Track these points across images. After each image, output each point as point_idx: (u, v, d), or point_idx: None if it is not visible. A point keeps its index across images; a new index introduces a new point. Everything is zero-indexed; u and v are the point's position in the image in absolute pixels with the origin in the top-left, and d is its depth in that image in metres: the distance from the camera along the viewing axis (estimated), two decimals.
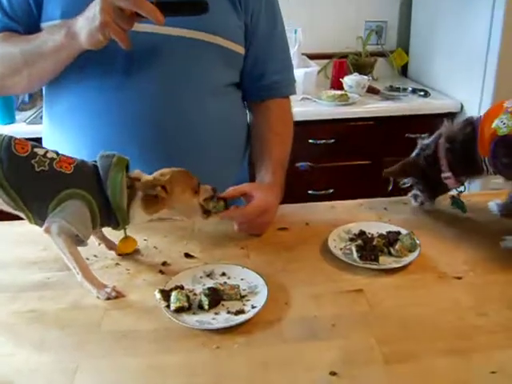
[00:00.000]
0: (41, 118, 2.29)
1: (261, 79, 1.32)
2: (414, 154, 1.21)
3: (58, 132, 1.23)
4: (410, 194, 1.26)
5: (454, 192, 1.22)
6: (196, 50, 1.17)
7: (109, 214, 0.95)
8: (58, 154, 0.96)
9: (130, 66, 1.14)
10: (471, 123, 1.11)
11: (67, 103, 1.20)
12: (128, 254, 1.06)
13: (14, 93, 1.60)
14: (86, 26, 0.99)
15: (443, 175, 1.15)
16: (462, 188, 1.20)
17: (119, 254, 1.06)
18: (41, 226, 0.93)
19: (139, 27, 1.05)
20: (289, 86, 1.38)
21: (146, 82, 1.15)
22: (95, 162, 0.97)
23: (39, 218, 0.93)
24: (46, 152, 0.94)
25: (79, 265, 0.93)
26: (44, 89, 1.27)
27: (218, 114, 1.23)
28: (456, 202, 1.22)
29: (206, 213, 1.03)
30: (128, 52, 1.04)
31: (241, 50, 1.25)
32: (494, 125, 1.04)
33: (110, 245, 1.07)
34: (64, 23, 1.06)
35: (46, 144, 1.30)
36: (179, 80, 1.17)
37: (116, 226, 0.98)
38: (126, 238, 1.03)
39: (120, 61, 1.13)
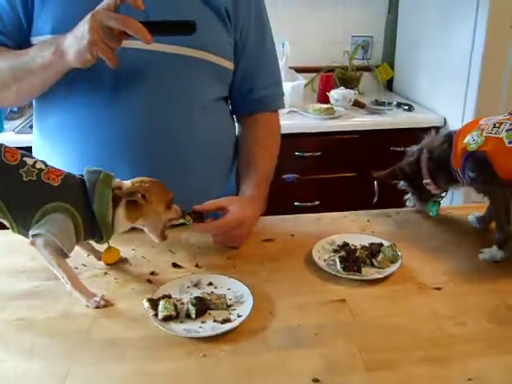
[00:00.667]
0: (29, 127, 2.32)
1: (249, 94, 1.34)
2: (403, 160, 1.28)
3: (48, 145, 1.24)
4: (405, 197, 1.33)
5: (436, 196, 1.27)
6: (185, 66, 1.18)
7: (93, 228, 0.96)
8: (46, 165, 0.97)
9: (118, 83, 1.15)
10: (450, 137, 1.16)
11: (57, 118, 1.21)
12: (112, 264, 1.08)
13: (2, 106, 1.60)
14: (75, 44, 1.00)
15: (424, 181, 1.21)
16: (443, 194, 1.26)
17: (107, 264, 1.08)
18: (24, 235, 0.95)
19: (127, 43, 1.06)
20: (277, 101, 1.40)
21: (134, 98, 1.16)
22: (82, 175, 0.99)
23: (23, 227, 0.94)
24: (35, 162, 0.95)
25: (67, 274, 0.94)
26: (34, 102, 1.28)
27: (206, 128, 1.25)
28: (432, 205, 1.27)
29: (163, 236, 1.04)
30: (117, 69, 1.05)
31: (230, 65, 1.27)
32: (465, 140, 1.09)
33: (99, 255, 1.08)
34: (53, 40, 1.07)
35: (36, 156, 1.32)
36: (168, 96, 1.18)
37: (100, 239, 1.00)
38: (110, 248, 1.05)
39: (108, 77, 1.13)
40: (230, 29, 1.25)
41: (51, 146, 1.23)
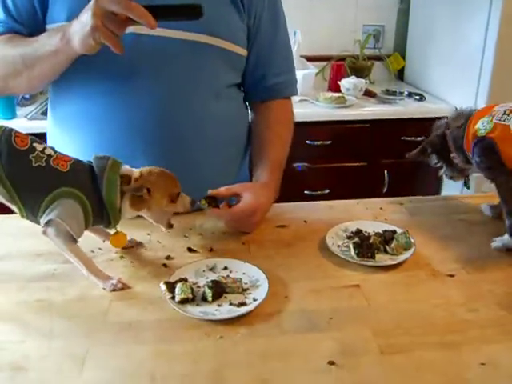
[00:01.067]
0: (41, 113, 2.34)
1: (262, 80, 1.35)
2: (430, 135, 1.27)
3: (64, 133, 1.25)
4: (441, 172, 1.32)
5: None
6: (199, 52, 1.19)
7: (101, 213, 0.97)
8: (55, 151, 0.98)
9: (133, 70, 1.15)
10: (467, 118, 1.16)
11: (72, 106, 1.22)
12: (120, 248, 1.09)
13: (16, 93, 1.61)
14: (79, 30, 1.00)
15: (451, 155, 1.21)
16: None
17: (116, 247, 1.09)
18: (33, 221, 0.96)
19: (142, 30, 1.07)
20: (290, 87, 1.41)
21: (149, 85, 1.16)
22: (90, 162, 0.99)
23: (31, 213, 0.95)
24: (45, 148, 0.96)
25: (82, 260, 0.96)
26: (50, 90, 1.28)
27: (220, 114, 1.26)
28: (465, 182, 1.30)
29: (170, 226, 1.07)
30: (132, 55, 1.06)
31: (243, 52, 1.28)
32: (477, 125, 1.11)
33: None
34: (61, 27, 1.07)
35: (51, 144, 1.33)
36: (182, 82, 1.19)
37: (108, 224, 1.01)
38: (117, 233, 1.06)
39: (124, 65, 1.14)
40: (244, 15, 1.25)
41: (67, 133, 1.24)
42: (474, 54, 2.31)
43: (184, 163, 1.19)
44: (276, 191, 1.23)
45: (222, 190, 1.14)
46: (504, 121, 1.06)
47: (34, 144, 0.95)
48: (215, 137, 1.26)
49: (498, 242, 1.12)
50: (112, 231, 1.07)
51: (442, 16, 2.59)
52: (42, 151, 0.95)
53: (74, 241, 0.95)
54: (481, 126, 1.09)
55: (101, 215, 0.98)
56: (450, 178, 1.31)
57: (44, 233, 0.94)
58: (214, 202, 1.12)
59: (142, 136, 1.18)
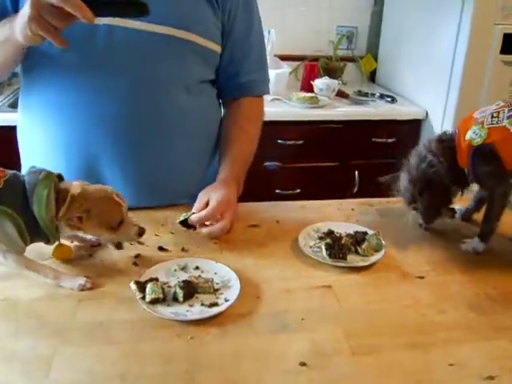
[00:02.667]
0: (8, 106, 2.28)
1: (235, 77, 1.35)
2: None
3: (35, 124, 1.23)
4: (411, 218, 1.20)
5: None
6: (172, 47, 1.19)
7: (37, 230, 0.93)
8: None
9: (105, 61, 1.14)
10: (448, 141, 1.13)
11: (44, 96, 1.19)
12: (64, 259, 1.03)
13: None
14: (20, 20, 0.98)
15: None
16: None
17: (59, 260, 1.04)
18: None
19: (116, 22, 1.06)
20: (262, 86, 1.41)
21: (120, 76, 1.16)
22: None
23: None
24: None
25: (42, 272, 0.94)
26: (21, 80, 1.26)
27: (190, 109, 1.26)
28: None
29: (118, 247, 1.05)
30: (105, 46, 1.05)
31: (217, 48, 1.27)
32: (467, 136, 1.08)
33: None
34: (11, 17, 1.05)
35: (21, 135, 1.30)
36: (154, 76, 1.18)
37: (46, 241, 0.97)
38: (61, 245, 1.01)
39: (96, 55, 1.14)
40: (218, 11, 1.24)
41: (37, 124, 1.22)
42: (444, 57, 2.34)
43: (154, 154, 1.20)
44: (237, 186, 1.23)
45: (194, 210, 1.13)
46: (497, 123, 1.05)
47: None
48: (185, 130, 1.26)
49: (467, 245, 1.13)
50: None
51: (415, 19, 2.62)
52: None
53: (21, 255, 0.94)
54: (474, 136, 1.07)
55: (37, 232, 0.93)
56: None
57: None
58: (188, 225, 1.13)
59: (112, 128, 1.17)
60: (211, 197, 1.14)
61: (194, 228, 1.13)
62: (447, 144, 1.12)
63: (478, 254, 1.11)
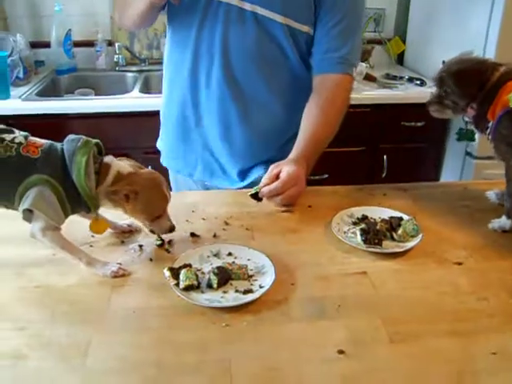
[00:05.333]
0: (36, 94, 2.31)
1: (325, 53, 1.35)
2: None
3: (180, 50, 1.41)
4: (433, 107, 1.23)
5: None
6: (264, 25, 1.29)
7: (78, 199, 0.93)
8: (26, 137, 0.94)
9: (213, 30, 1.32)
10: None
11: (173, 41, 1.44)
12: (100, 234, 1.05)
13: (127, 27, 1.71)
14: None
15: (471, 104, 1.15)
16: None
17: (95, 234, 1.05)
18: (11, 209, 0.94)
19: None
20: (349, 66, 1.39)
21: (226, 46, 1.32)
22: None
23: (9, 203, 0.93)
24: (15, 137, 0.93)
25: (76, 255, 0.94)
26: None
27: (278, 81, 1.37)
28: (463, 134, 1.24)
29: (152, 232, 1.03)
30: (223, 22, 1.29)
31: (308, 30, 1.33)
32: (509, 95, 1.05)
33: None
34: None
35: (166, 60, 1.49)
36: (251, 50, 1.32)
37: (88, 210, 0.97)
38: (97, 219, 1.01)
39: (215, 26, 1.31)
40: None
41: (182, 51, 1.40)
42: (476, 38, 2.27)
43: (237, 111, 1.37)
44: (307, 167, 1.26)
45: (264, 181, 1.19)
46: None
47: (3, 135, 0.93)
48: (271, 97, 1.37)
49: (494, 223, 1.12)
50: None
51: (445, 0, 2.55)
52: (12, 140, 0.92)
53: (57, 229, 0.93)
54: None
55: (78, 201, 0.94)
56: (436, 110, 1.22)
57: (31, 235, 0.93)
58: (258, 198, 1.18)
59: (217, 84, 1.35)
60: (283, 170, 1.18)
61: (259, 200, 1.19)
62: (494, 90, 1.09)
63: (506, 232, 1.10)
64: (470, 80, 1.12)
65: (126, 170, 0.96)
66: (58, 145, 0.96)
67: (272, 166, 1.22)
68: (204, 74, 1.36)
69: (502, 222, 1.11)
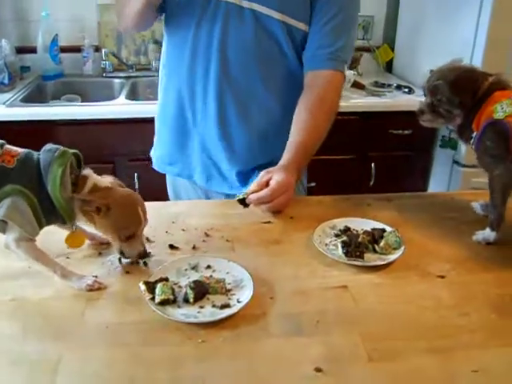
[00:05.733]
0: (20, 100, 2.28)
1: (316, 50, 1.35)
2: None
3: (177, 50, 1.41)
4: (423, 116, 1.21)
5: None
6: (262, 22, 1.30)
7: (53, 211, 0.91)
8: (2, 146, 0.92)
9: (213, 28, 1.32)
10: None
11: (170, 40, 1.44)
12: (76, 248, 1.02)
13: (126, 27, 1.61)
14: None
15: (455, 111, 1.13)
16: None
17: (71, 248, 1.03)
18: None
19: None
20: (340, 62, 1.38)
21: (224, 42, 1.32)
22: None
23: None
24: None
25: (51, 267, 0.92)
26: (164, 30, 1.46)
27: (273, 77, 1.37)
28: (446, 142, 1.23)
29: (121, 254, 0.98)
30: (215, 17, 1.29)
31: (304, 27, 1.33)
32: (493, 106, 1.05)
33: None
34: None
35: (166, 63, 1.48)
36: (249, 47, 1.32)
37: (63, 222, 0.95)
38: (74, 233, 0.99)
39: (215, 26, 1.32)
40: None
41: (179, 51, 1.40)
42: (464, 47, 2.27)
43: (235, 109, 1.37)
44: (297, 173, 1.26)
45: (253, 187, 1.19)
46: None
47: None
48: (268, 95, 1.37)
49: (478, 236, 1.11)
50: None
51: (433, 8, 2.55)
52: None
53: (32, 240, 0.91)
54: (499, 108, 1.04)
55: (53, 212, 0.91)
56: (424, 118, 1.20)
57: (6, 246, 0.90)
58: (245, 203, 1.18)
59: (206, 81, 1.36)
60: (273, 177, 1.18)
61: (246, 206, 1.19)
62: (481, 100, 1.09)
63: (490, 244, 1.09)
64: (466, 88, 1.10)
65: (104, 184, 0.93)
66: (35, 154, 0.93)
67: (262, 173, 1.22)
68: (201, 72, 1.36)
69: (486, 234, 1.10)
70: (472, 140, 1.11)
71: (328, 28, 1.33)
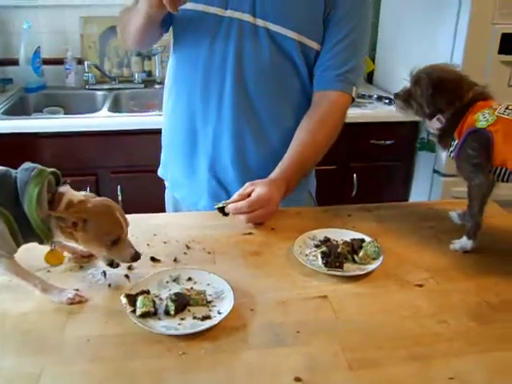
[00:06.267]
0: (2, 113, 2.28)
1: (325, 70, 1.35)
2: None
3: (186, 70, 1.40)
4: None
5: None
6: (277, 41, 1.30)
7: (31, 230, 0.90)
8: None
9: (226, 47, 1.31)
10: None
11: (181, 58, 1.42)
12: (56, 265, 1.02)
13: (129, 46, 1.61)
14: None
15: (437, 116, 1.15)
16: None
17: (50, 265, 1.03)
18: None
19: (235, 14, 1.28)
20: (348, 84, 1.37)
21: (237, 61, 1.31)
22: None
23: None
24: None
25: (31, 281, 0.92)
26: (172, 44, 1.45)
27: (287, 96, 1.37)
28: (424, 144, 1.24)
29: (110, 264, 0.98)
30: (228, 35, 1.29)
31: (317, 46, 1.34)
32: (476, 115, 1.07)
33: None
34: None
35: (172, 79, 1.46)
36: (263, 65, 1.31)
37: (40, 241, 0.94)
38: (52, 251, 0.99)
39: (224, 41, 1.31)
40: (327, 9, 1.31)
41: (187, 71, 1.39)
42: (442, 58, 2.27)
43: (251, 129, 1.36)
44: (287, 189, 1.26)
45: (235, 197, 1.20)
46: (508, 115, 1.04)
47: None
48: (283, 113, 1.38)
49: (456, 245, 1.13)
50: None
51: (412, 20, 2.59)
52: None
53: (10, 257, 0.90)
54: (481, 117, 1.06)
55: (30, 231, 0.90)
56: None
57: None
58: (225, 212, 1.19)
59: (228, 97, 1.33)
60: (255, 190, 1.19)
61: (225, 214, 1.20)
62: (464, 109, 1.10)
63: (467, 252, 1.11)
64: (444, 92, 1.12)
65: (77, 199, 0.92)
66: (13, 172, 0.92)
67: (247, 184, 1.22)
68: (216, 91, 1.34)
69: (463, 242, 1.12)
70: (452, 148, 1.13)
71: (339, 48, 1.34)
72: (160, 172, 1.57)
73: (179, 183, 1.49)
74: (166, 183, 1.57)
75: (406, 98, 1.19)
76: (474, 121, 1.07)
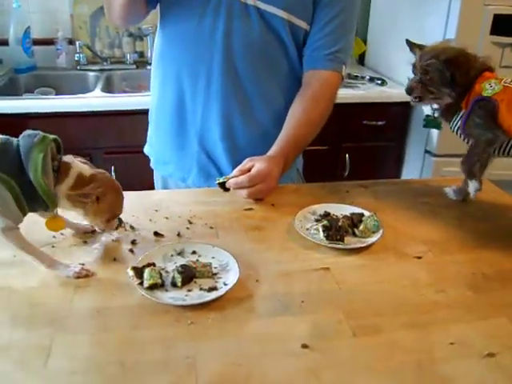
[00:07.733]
0: None
1: (316, 50, 1.37)
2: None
3: (173, 46, 1.40)
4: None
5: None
6: (267, 19, 1.30)
7: (36, 197, 0.90)
8: None
9: (216, 24, 1.31)
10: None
11: (169, 35, 1.41)
12: (57, 231, 1.04)
13: (115, 22, 1.56)
14: None
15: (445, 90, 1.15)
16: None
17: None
18: None
19: None
20: (338, 63, 1.39)
21: (227, 38, 1.31)
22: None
23: None
24: None
25: (37, 257, 0.93)
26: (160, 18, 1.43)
27: (276, 74, 1.39)
28: (430, 121, 1.25)
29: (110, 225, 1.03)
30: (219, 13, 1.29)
31: (305, 25, 1.35)
32: (483, 84, 1.09)
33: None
34: None
35: (158, 55, 1.46)
36: (253, 42, 1.32)
37: (46, 209, 0.95)
38: (55, 217, 0.99)
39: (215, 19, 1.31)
40: None
41: (175, 47, 1.39)
42: (434, 39, 2.28)
43: (240, 107, 1.37)
44: (285, 165, 1.28)
45: (235, 172, 1.22)
46: None
47: None
48: (272, 91, 1.39)
49: (470, 189, 1.16)
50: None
51: (404, 1, 2.60)
52: None
53: (17, 229, 0.91)
54: (487, 86, 1.08)
55: (35, 199, 0.91)
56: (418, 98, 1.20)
57: None
58: (225, 188, 1.22)
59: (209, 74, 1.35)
60: (255, 165, 1.20)
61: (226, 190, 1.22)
62: (473, 80, 1.12)
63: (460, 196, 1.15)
64: (458, 69, 1.12)
65: (88, 172, 0.94)
66: (14, 140, 0.92)
67: (247, 160, 1.24)
68: (204, 69, 1.34)
69: (473, 185, 1.14)
70: (455, 118, 1.15)
71: (329, 29, 1.35)
72: (146, 150, 1.58)
73: (166, 159, 1.50)
74: (152, 160, 1.57)
75: (421, 90, 1.18)
76: (480, 89, 1.09)
